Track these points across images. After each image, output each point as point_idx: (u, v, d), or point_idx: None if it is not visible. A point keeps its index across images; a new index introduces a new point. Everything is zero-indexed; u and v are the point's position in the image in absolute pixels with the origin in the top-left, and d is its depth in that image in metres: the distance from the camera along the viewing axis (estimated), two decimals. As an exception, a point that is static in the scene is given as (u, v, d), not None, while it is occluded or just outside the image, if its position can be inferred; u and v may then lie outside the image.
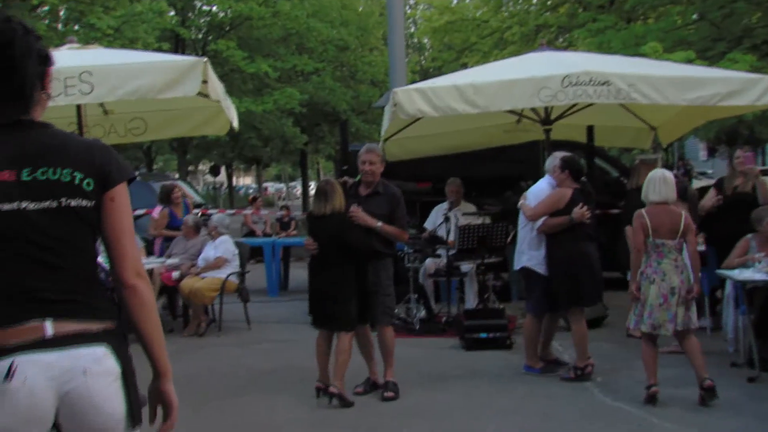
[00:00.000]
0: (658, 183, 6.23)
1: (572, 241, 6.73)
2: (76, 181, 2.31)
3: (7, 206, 2.23)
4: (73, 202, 2.30)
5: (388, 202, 6.39)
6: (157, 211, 10.53)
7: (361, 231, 6.23)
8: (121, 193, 2.43)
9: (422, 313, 9.03)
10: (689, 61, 11.76)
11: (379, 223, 6.28)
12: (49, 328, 2.24)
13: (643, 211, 6.18)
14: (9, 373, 2.17)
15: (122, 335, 2.41)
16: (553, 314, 7.00)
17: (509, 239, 8.96)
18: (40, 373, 2.19)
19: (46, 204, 2.26)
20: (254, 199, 18.15)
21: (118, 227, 2.43)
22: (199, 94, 6.82)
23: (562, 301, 6.79)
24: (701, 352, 6.03)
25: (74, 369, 2.24)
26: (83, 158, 2.34)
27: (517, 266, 7.13)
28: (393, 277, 6.51)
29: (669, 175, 6.38)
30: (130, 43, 17.16)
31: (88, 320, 2.32)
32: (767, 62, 14.41)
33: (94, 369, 2.28)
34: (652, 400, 5.94)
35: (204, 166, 42.93)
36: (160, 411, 2.52)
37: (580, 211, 6.66)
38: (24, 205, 2.24)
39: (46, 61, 2.41)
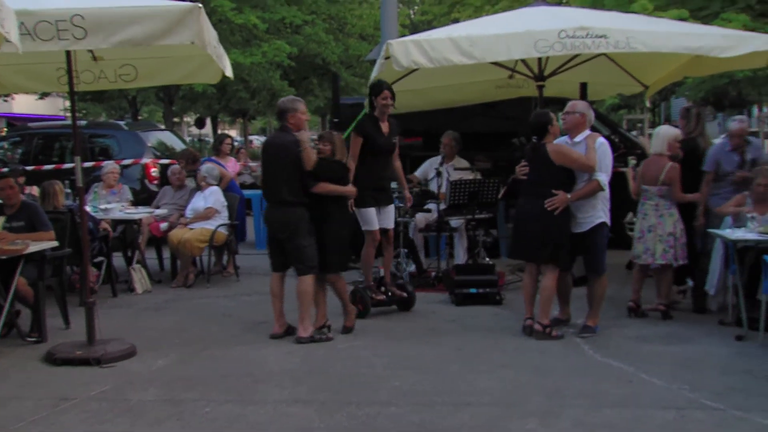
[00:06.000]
0: (654, 137, 7.48)
1: (519, 197, 6.89)
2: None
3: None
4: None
5: None
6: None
7: None
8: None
9: (412, 268, 9.03)
10: (682, 20, 11.67)
11: None
12: None
13: (644, 161, 7.59)
14: None
15: None
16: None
17: (500, 195, 8.95)
18: None
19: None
20: (237, 150, 17.92)
21: None
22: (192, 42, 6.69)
23: None
24: (670, 284, 7.35)
25: None
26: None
27: None
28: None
29: (660, 129, 7.59)
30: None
31: None
32: (761, 22, 14.34)
33: None
34: (637, 313, 7.32)
35: (190, 118, 42.53)
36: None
37: (517, 168, 6.79)
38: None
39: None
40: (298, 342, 6.55)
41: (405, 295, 7.68)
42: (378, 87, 7.47)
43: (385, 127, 7.45)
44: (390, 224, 7.57)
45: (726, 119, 50.29)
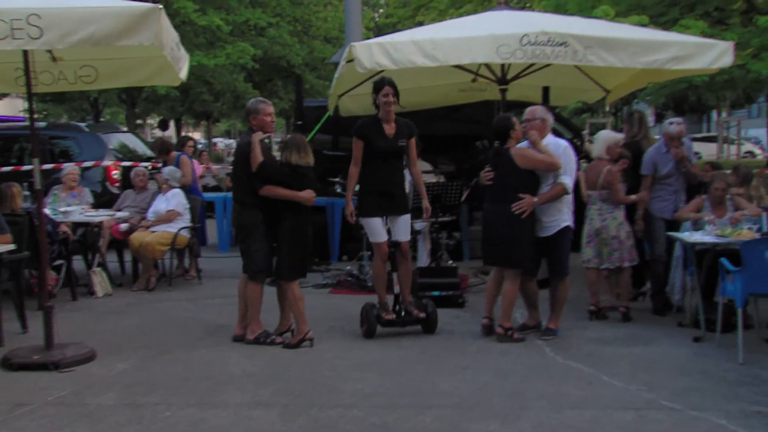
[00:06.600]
0: (595, 142, 7.65)
1: (485, 202, 6.87)
2: None
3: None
4: None
5: None
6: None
7: None
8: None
9: (375, 270, 9.01)
10: (642, 26, 11.83)
11: None
12: None
13: (587, 165, 7.74)
14: None
15: None
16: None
17: (463, 198, 8.99)
18: None
19: None
20: (199, 152, 17.78)
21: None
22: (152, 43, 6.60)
23: None
24: (629, 286, 7.49)
25: None
26: None
27: None
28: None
29: (601, 134, 7.72)
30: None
31: None
32: (718, 29, 14.63)
33: None
34: (598, 316, 7.39)
35: (153, 120, 42.17)
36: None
37: (482, 174, 6.79)
38: None
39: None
40: (247, 343, 6.60)
41: (422, 315, 6.89)
42: (379, 84, 6.89)
43: (389, 128, 6.84)
44: (402, 236, 6.86)
45: (685, 123, 51.16)
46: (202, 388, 5.50)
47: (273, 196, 6.49)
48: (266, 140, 6.72)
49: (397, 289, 6.89)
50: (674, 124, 7.68)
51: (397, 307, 6.91)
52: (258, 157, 6.43)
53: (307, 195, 6.55)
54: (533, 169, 6.58)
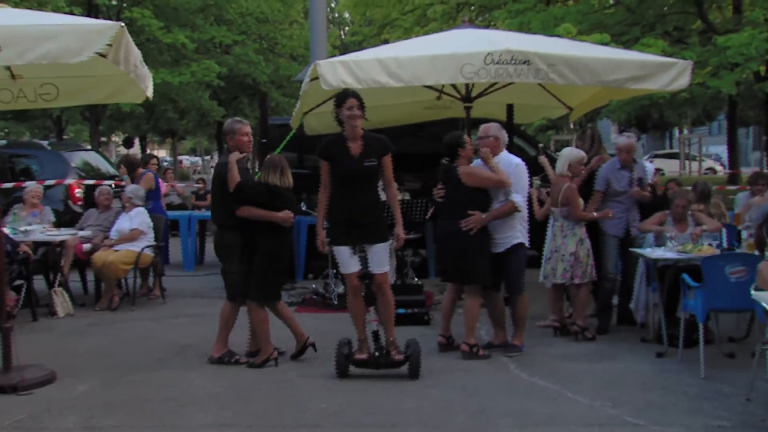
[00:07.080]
0: (558, 159, 7.60)
1: (440, 219, 6.88)
2: None
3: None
4: None
5: None
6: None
7: None
8: None
9: (340, 288, 9.00)
10: (604, 45, 12.00)
11: None
12: None
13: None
14: None
15: None
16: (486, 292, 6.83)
17: (428, 215, 9.01)
18: None
19: None
20: (164, 171, 17.71)
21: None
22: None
23: None
24: (584, 304, 7.37)
25: None
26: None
27: None
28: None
29: (564, 151, 7.64)
30: (39, 7, 16.47)
31: None
32: (677, 48, 14.92)
33: None
34: (562, 332, 7.40)
35: (117, 138, 41.84)
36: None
37: (434, 191, 6.83)
38: None
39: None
40: (211, 362, 6.56)
41: (400, 357, 6.10)
42: (341, 96, 6.28)
43: (355, 147, 6.18)
44: (376, 268, 6.10)
45: (648, 140, 51.84)
46: (164, 410, 5.42)
47: (250, 216, 6.41)
48: (244, 160, 6.67)
49: (374, 325, 6.16)
50: (624, 136, 7.85)
51: (376, 345, 6.17)
52: (235, 177, 6.38)
53: (284, 215, 6.45)
54: (481, 186, 6.63)
